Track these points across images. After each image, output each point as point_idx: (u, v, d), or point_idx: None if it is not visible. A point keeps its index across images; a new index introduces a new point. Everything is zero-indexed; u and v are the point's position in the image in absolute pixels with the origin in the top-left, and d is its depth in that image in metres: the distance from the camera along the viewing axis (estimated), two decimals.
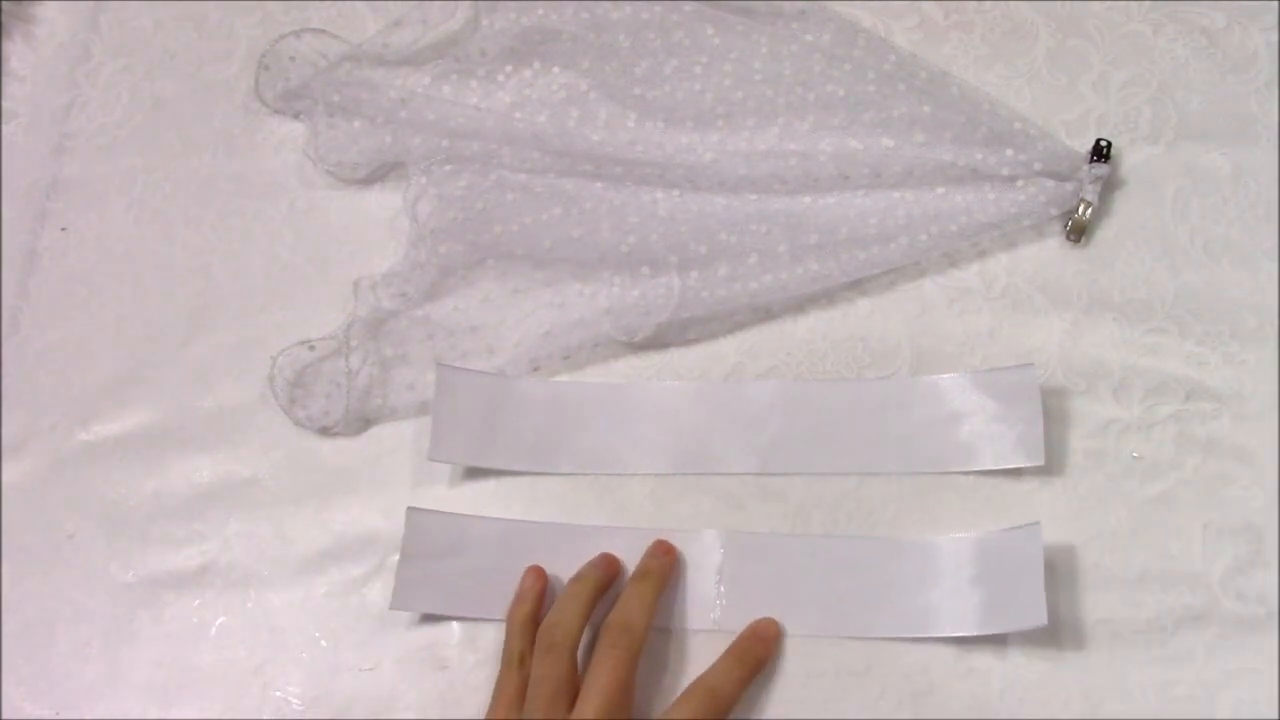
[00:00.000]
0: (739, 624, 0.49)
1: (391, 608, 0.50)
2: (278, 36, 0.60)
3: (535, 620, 0.48)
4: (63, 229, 0.59)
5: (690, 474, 0.53)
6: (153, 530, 0.53)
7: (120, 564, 0.53)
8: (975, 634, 0.49)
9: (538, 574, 0.50)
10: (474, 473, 0.53)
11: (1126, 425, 0.52)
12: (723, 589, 0.50)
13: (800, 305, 0.55)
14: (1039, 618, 0.47)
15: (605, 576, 0.50)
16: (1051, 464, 0.52)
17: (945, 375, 0.53)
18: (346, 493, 0.54)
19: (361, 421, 0.54)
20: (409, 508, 0.51)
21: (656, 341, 0.55)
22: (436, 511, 0.52)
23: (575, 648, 0.47)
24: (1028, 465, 0.51)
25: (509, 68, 0.59)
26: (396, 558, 0.52)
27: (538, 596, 0.49)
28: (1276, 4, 0.59)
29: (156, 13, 0.63)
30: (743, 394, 0.54)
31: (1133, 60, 0.59)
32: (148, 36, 0.62)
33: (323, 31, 0.61)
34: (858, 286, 0.56)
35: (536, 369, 0.55)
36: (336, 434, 0.54)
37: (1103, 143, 0.55)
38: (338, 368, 0.55)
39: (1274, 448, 0.52)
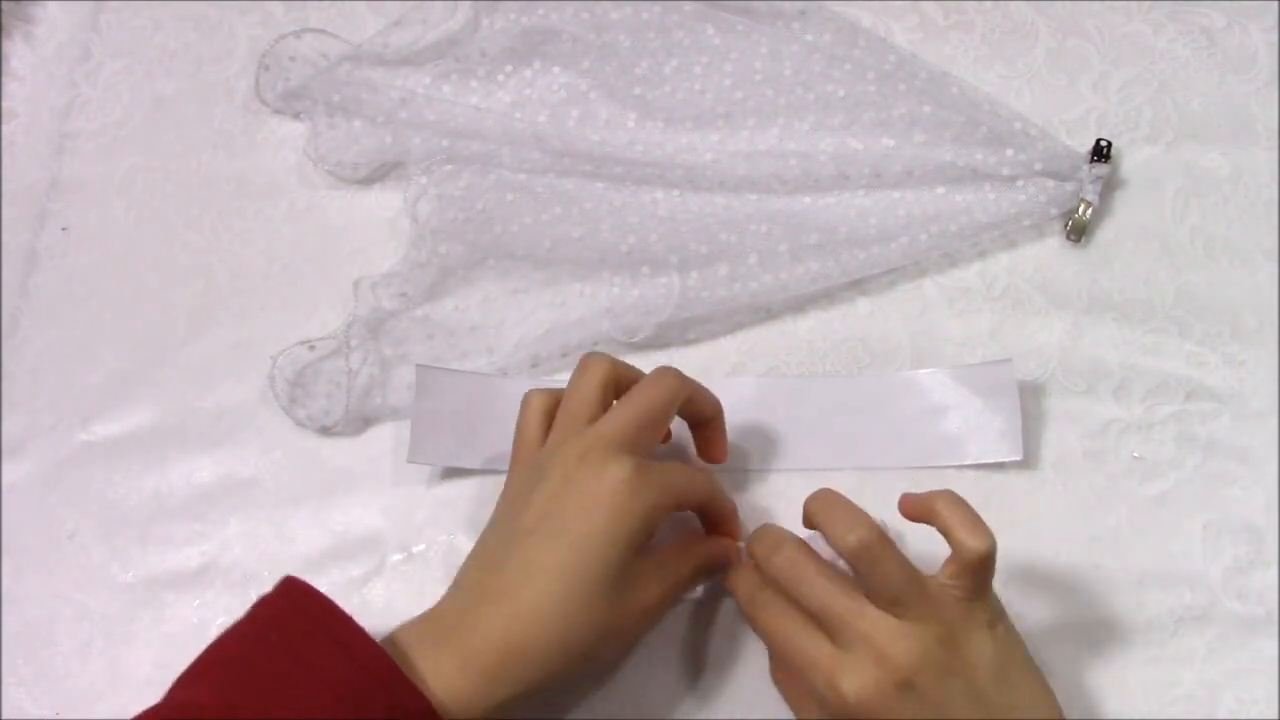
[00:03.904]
0: None
1: (409, 460, 0.52)
2: (278, 36, 0.60)
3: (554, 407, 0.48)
4: (63, 229, 0.59)
5: None
6: (153, 530, 0.53)
7: (120, 564, 0.53)
8: (953, 464, 0.51)
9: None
10: (478, 470, 0.53)
11: (1126, 425, 0.52)
12: None
13: (800, 305, 0.55)
14: (1014, 451, 0.50)
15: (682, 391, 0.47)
16: (1052, 464, 0.52)
17: (925, 371, 0.53)
18: (346, 493, 0.53)
19: (361, 421, 0.54)
20: (418, 365, 0.53)
21: (657, 341, 0.55)
22: (451, 370, 0.53)
23: (612, 376, 0.47)
24: (1007, 460, 0.51)
25: (509, 68, 0.59)
26: (397, 558, 0.52)
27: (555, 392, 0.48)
28: (1276, 4, 0.59)
29: (156, 13, 0.63)
30: (723, 391, 0.54)
31: (1133, 60, 0.59)
32: (148, 36, 0.62)
33: (323, 31, 0.61)
34: (858, 286, 0.56)
35: (535, 367, 0.55)
36: (336, 434, 0.54)
37: (1103, 143, 0.55)
38: (338, 368, 0.55)
39: (1274, 448, 0.52)
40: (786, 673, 0.47)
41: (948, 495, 0.42)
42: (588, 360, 0.47)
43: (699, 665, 0.49)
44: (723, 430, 0.49)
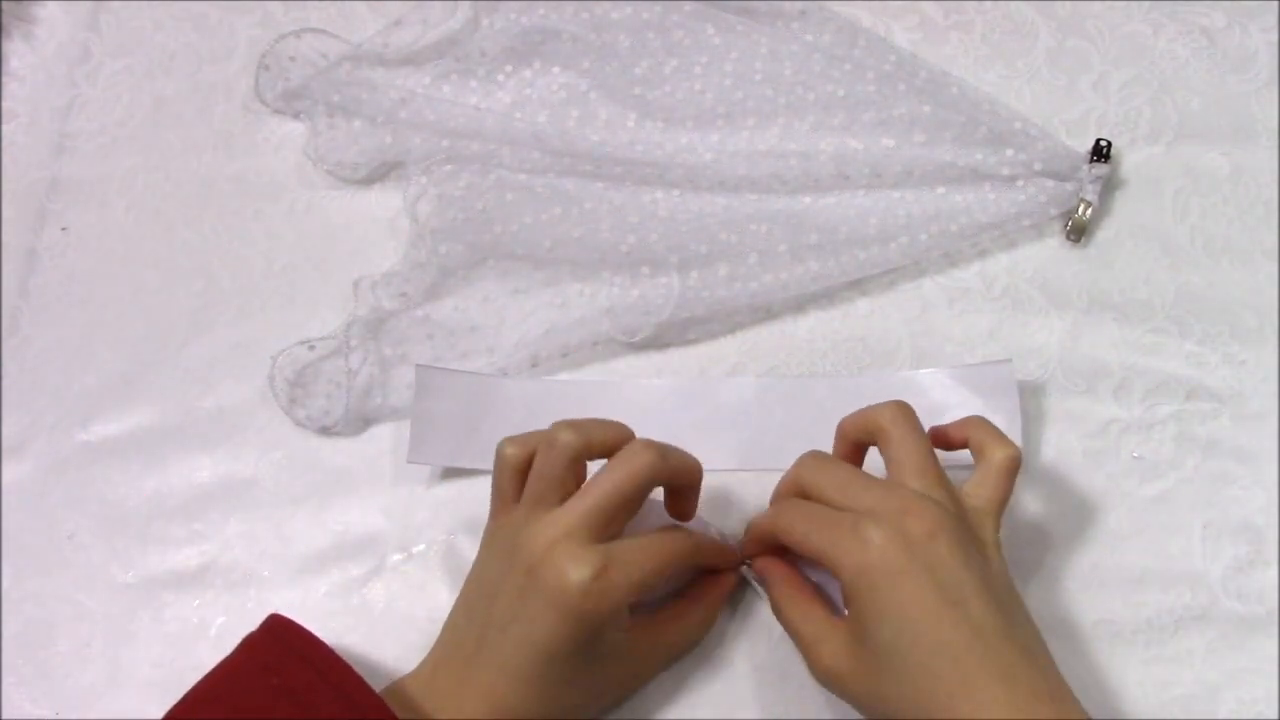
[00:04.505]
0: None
1: (409, 461, 0.52)
2: (278, 36, 0.60)
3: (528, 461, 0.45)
4: (63, 229, 0.59)
5: None
6: (153, 530, 0.53)
7: (120, 564, 0.53)
8: (953, 465, 0.49)
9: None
10: (478, 470, 0.53)
11: (1126, 425, 0.52)
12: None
13: (800, 305, 0.55)
14: None
15: (660, 468, 0.44)
16: (1052, 464, 0.52)
17: (925, 370, 0.53)
18: (346, 493, 0.54)
19: (361, 421, 0.54)
20: (418, 365, 0.52)
21: (656, 341, 0.55)
22: (451, 370, 0.53)
23: (581, 454, 0.44)
24: None
25: (509, 68, 0.59)
26: (397, 558, 0.52)
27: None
28: (1276, 4, 0.59)
29: (156, 13, 0.63)
30: (722, 391, 0.54)
31: (1133, 60, 0.59)
32: (148, 36, 0.62)
33: (323, 31, 0.61)
34: (858, 286, 0.56)
35: (535, 367, 0.55)
36: (336, 434, 0.54)
37: (1103, 143, 0.55)
38: (338, 368, 0.55)
39: (1274, 448, 0.52)
40: (795, 596, 0.45)
41: (975, 418, 0.46)
42: (554, 437, 0.44)
43: (694, 664, 0.50)
44: (697, 495, 0.47)
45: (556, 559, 0.41)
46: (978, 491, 0.44)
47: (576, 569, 0.41)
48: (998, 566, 0.43)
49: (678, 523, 0.47)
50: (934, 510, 0.41)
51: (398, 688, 0.45)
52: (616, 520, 0.43)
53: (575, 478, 0.44)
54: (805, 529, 0.42)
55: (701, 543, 0.46)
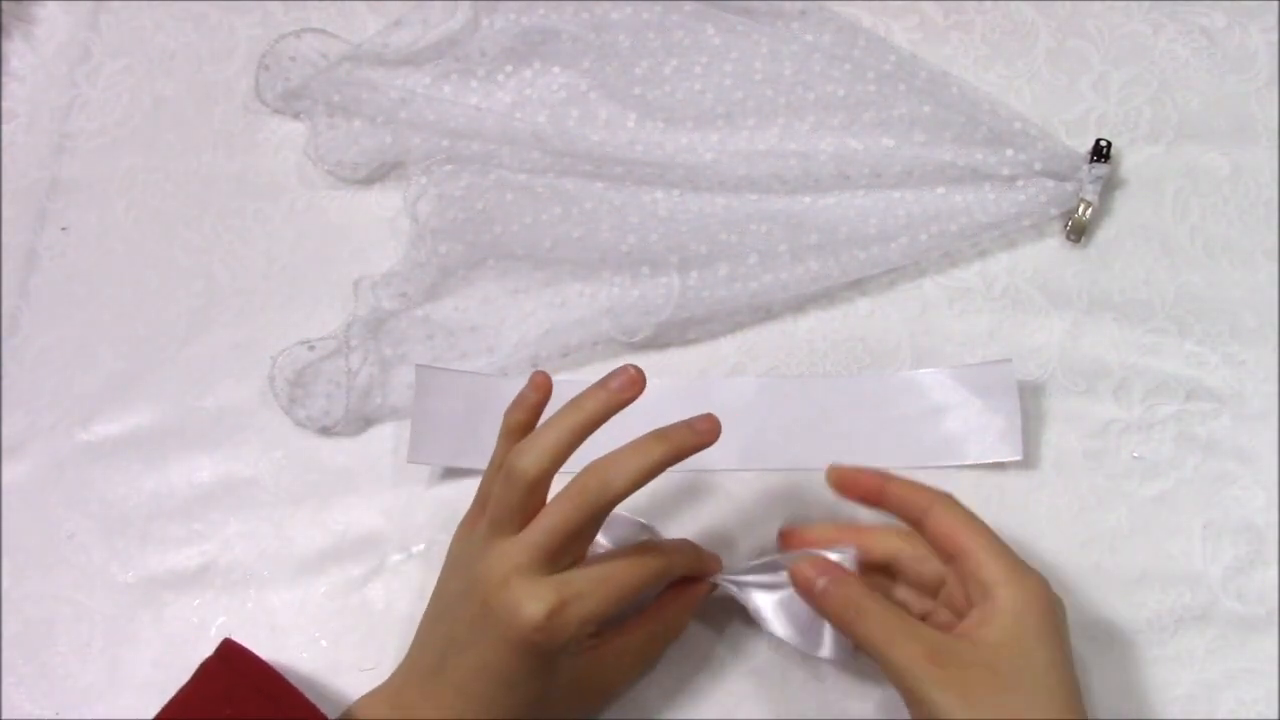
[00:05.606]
0: None
1: (409, 461, 0.52)
2: (278, 36, 0.60)
3: (525, 430, 0.45)
4: (63, 229, 0.59)
5: (679, 471, 0.52)
6: (153, 530, 0.53)
7: (120, 564, 0.53)
8: (953, 464, 0.51)
9: (542, 382, 0.45)
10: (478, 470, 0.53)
11: (1126, 425, 0.52)
12: None
13: (800, 305, 0.55)
14: (1014, 451, 0.51)
15: (609, 407, 0.43)
16: (1052, 464, 0.52)
17: (925, 371, 0.53)
18: (346, 493, 0.54)
19: (361, 421, 0.54)
20: (418, 365, 0.52)
21: (656, 341, 0.55)
22: (451, 370, 0.53)
23: (540, 480, 0.42)
24: (1007, 460, 0.51)
25: (509, 68, 0.59)
26: (397, 558, 0.52)
27: (533, 407, 0.45)
28: (1276, 4, 0.59)
29: (156, 13, 0.63)
30: (722, 391, 0.54)
31: (1133, 60, 0.59)
32: (148, 36, 0.62)
33: (323, 31, 0.61)
34: (858, 286, 0.56)
35: (535, 367, 0.54)
36: (336, 434, 0.54)
37: (1103, 143, 0.55)
38: (338, 368, 0.55)
39: (1274, 448, 0.52)
40: (881, 618, 0.42)
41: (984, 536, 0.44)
42: (512, 465, 0.42)
43: (694, 665, 0.50)
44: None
45: (510, 595, 0.41)
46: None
47: (530, 605, 0.40)
48: None
49: (652, 539, 0.47)
50: (1046, 584, 0.43)
51: (365, 703, 0.45)
52: (573, 548, 0.42)
53: (536, 502, 0.43)
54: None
55: (674, 561, 0.45)
